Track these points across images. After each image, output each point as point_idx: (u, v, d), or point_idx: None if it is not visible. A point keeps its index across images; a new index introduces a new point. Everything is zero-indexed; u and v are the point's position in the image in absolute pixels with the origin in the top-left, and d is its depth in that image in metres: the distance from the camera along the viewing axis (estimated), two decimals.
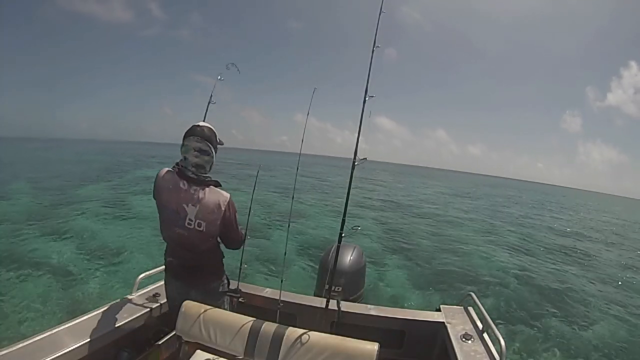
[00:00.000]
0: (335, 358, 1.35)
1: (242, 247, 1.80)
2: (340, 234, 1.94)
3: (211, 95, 2.09)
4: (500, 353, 1.57)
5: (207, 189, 1.60)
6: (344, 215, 1.93)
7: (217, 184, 1.66)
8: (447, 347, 1.84)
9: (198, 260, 1.67)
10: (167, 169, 1.64)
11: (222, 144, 1.70)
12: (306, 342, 1.39)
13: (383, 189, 26.15)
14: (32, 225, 8.45)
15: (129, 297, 1.99)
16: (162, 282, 2.24)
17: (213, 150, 1.63)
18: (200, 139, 1.58)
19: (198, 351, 1.56)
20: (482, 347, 1.71)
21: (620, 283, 8.28)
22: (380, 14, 2.02)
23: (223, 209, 1.59)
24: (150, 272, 2.13)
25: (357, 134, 1.88)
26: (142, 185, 16.80)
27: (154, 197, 1.66)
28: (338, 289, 2.50)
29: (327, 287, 2.03)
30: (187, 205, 1.57)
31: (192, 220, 1.57)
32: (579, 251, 11.26)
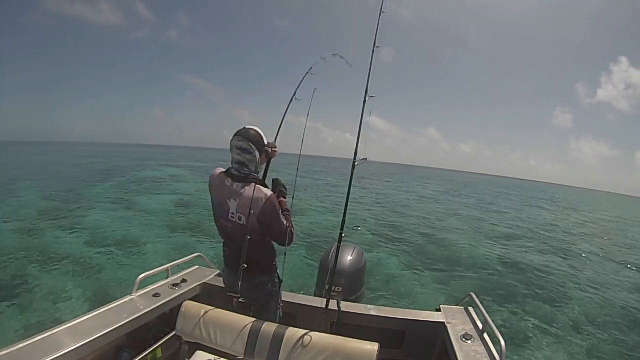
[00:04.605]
0: (335, 358, 1.35)
1: (288, 242, 1.79)
2: (340, 233, 1.93)
3: (295, 92, 2.09)
4: (500, 353, 1.57)
5: (247, 185, 1.69)
6: (344, 215, 1.92)
7: (259, 182, 1.75)
8: (447, 347, 1.84)
9: (245, 252, 1.71)
10: (220, 169, 1.80)
11: (274, 146, 1.86)
12: (306, 342, 1.39)
13: (380, 190, 26.21)
14: (45, 222, 8.75)
15: (129, 297, 1.99)
16: (162, 282, 2.24)
17: (256, 150, 1.72)
18: (242, 138, 1.70)
19: (198, 351, 1.56)
20: (482, 347, 1.71)
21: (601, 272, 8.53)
22: (380, 14, 2.01)
23: (260, 204, 1.66)
24: (150, 272, 2.12)
25: (357, 134, 1.86)
26: (145, 185, 16.86)
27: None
28: (338, 289, 2.50)
29: (327, 287, 2.02)
30: (230, 200, 1.71)
31: (234, 214, 1.71)
32: (568, 248, 11.41)
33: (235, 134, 1.72)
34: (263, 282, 1.82)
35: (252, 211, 1.65)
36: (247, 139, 1.70)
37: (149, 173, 23.60)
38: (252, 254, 1.71)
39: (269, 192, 1.70)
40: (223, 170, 1.78)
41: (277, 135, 2.03)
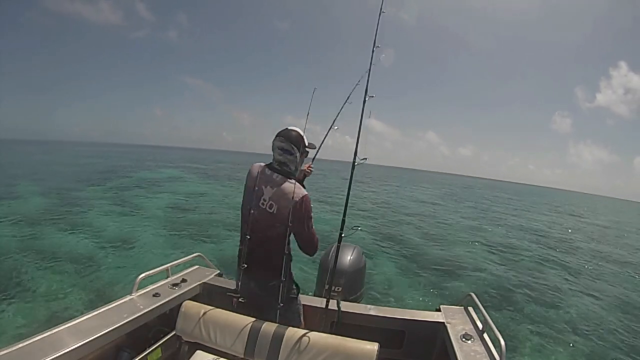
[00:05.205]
0: (335, 358, 1.36)
1: (312, 251, 1.80)
2: (340, 234, 1.93)
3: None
4: (500, 353, 1.57)
5: (287, 179, 1.73)
6: (344, 215, 1.91)
7: (299, 181, 1.81)
8: (447, 347, 1.84)
9: (261, 249, 1.71)
10: (262, 163, 1.84)
11: (314, 147, 1.92)
12: (306, 342, 1.40)
13: (378, 193, 26.25)
14: (44, 221, 8.77)
15: (129, 297, 1.99)
16: (162, 282, 2.24)
17: (297, 152, 1.78)
18: (284, 140, 1.75)
19: (198, 351, 1.56)
20: (482, 347, 1.71)
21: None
22: (380, 14, 2.02)
23: (296, 199, 1.68)
24: (150, 272, 2.12)
25: (357, 135, 1.88)
26: (145, 186, 16.87)
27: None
28: (338, 289, 2.50)
29: (327, 287, 2.02)
30: (265, 186, 1.72)
31: (265, 201, 1.71)
32: (566, 253, 11.47)
33: (278, 135, 1.77)
34: (276, 286, 1.72)
35: (286, 203, 1.67)
36: (288, 140, 1.75)
37: (148, 174, 23.64)
38: (271, 252, 1.71)
39: (305, 192, 1.73)
40: (265, 164, 1.82)
41: (319, 147, 2.04)
